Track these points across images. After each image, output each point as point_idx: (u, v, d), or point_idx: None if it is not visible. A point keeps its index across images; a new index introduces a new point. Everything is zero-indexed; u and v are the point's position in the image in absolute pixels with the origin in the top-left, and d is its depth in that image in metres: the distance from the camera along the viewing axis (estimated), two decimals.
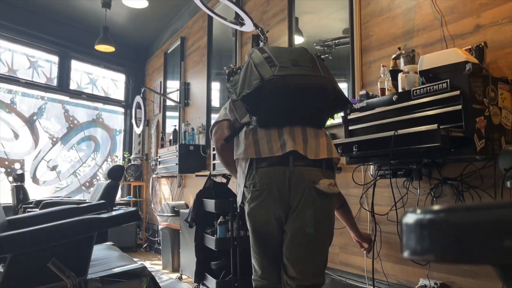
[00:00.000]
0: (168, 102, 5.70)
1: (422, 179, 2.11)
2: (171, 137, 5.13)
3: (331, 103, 1.74)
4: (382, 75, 2.21)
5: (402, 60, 2.11)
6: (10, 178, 4.65)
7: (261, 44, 3.52)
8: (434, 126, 1.62)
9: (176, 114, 5.40)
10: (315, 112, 1.76)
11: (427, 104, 1.77)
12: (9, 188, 4.58)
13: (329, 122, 2.77)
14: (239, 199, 1.80)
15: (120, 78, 6.73)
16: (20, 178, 4.29)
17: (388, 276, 2.29)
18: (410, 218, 0.31)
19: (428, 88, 1.76)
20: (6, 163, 5.22)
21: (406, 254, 0.31)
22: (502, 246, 0.26)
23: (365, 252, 2.21)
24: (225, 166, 2.00)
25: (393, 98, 1.92)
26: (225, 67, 2.02)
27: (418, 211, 0.31)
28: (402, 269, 2.25)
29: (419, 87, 1.81)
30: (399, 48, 2.23)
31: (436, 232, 0.29)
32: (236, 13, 3.46)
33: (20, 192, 3.95)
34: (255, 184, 1.64)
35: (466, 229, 0.28)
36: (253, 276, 1.80)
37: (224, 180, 3.74)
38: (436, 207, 0.30)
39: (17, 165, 5.33)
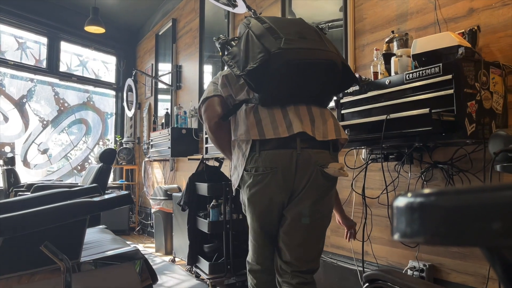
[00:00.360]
0: (160, 85, 5.67)
1: (413, 163, 2.13)
2: (163, 121, 5.13)
3: (340, 81, 1.60)
4: (375, 59, 2.22)
5: (395, 43, 2.11)
6: (1, 162, 4.62)
7: None
8: (426, 110, 1.63)
9: (168, 97, 5.38)
10: (323, 90, 1.64)
11: (419, 88, 1.77)
12: (0, 171, 4.56)
13: None
14: (235, 182, 1.66)
15: (111, 60, 6.66)
16: (10, 161, 4.26)
17: (378, 258, 2.33)
18: (400, 201, 0.31)
19: (420, 72, 1.77)
20: None
21: (396, 236, 0.31)
22: (490, 229, 0.26)
23: (347, 238, 2.09)
24: (218, 148, 1.79)
25: (386, 82, 1.92)
26: (214, 38, 1.81)
27: (409, 194, 0.31)
28: (392, 251, 2.28)
29: (411, 71, 1.81)
30: (393, 32, 2.23)
31: (426, 215, 0.29)
32: None
33: (11, 176, 3.93)
34: (257, 168, 1.51)
35: (455, 212, 0.28)
36: (248, 258, 1.73)
37: (216, 164, 3.75)
38: (426, 191, 0.30)
39: (7, 148, 5.29)
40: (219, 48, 1.77)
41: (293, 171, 1.50)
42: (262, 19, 1.59)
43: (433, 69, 1.72)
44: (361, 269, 2.37)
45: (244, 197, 1.63)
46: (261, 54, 1.42)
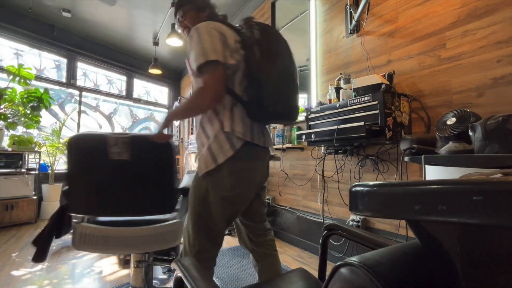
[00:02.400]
0: None
1: (353, 155, 2.13)
2: None
3: None
4: (330, 91, 2.21)
5: (342, 81, 2.11)
6: None
7: None
8: (362, 123, 1.64)
9: None
10: None
11: (357, 109, 1.78)
12: None
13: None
14: (208, 165, 0.99)
15: (165, 90, 6.62)
16: None
17: (331, 214, 2.33)
18: (355, 188, 0.30)
19: (358, 99, 1.77)
20: None
21: (352, 211, 0.31)
22: (413, 208, 0.26)
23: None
24: (191, 113, 1.02)
25: (337, 105, 1.93)
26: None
27: (361, 184, 0.30)
28: (340, 209, 2.28)
29: (353, 98, 1.82)
30: (341, 73, 2.23)
31: (372, 198, 0.29)
32: None
33: None
34: (249, 156, 1.03)
35: (390, 197, 0.28)
36: (197, 252, 1.02)
37: None
38: (371, 183, 0.29)
39: None
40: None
41: (265, 169, 1.15)
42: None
43: (366, 97, 1.72)
44: (322, 220, 2.37)
45: (217, 184, 1.00)
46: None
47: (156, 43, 4.80)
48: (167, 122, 1.08)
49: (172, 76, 6.62)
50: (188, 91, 6.08)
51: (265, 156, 1.12)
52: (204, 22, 1.02)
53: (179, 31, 1.16)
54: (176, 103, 6.05)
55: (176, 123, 6.26)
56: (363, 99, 1.73)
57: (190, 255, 1.03)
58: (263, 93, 0.97)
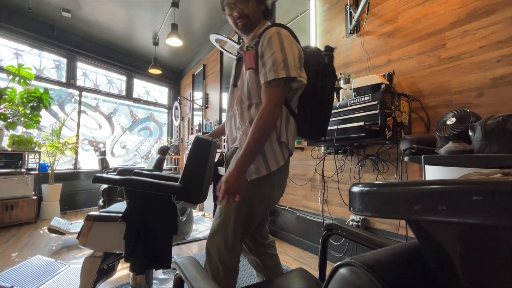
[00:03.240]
0: (195, 106, 5.64)
1: (353, 155, 2.12)
2: (197, 128, 5.10)
3: None
4: None
5: (342, 81, 2.10)
6: (97, 153, 4.61)
7: None
8: (362, 123, 1.64)
9: (200, 113, 5.34)
10: None
11: (357, 109, 1.77)
12: (97, 160, 4.54)
13: None
14: (259, 173, 0.98)
15: (165, 90, 6.62)
16: (103, 153, 4.24)
17: (332, 214, 2.33)
18: (355, 189, 0.30)
19: (358, 99, 1.76)
20: (94, 143, 5.17)
21: (352, 211, 0.31)
22: (413, 208, 0.26)
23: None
24: (262, 144, 0.92)
25: (337, 105, 1.92)
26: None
27: (361, 184, 0.30)
28: (340, 209, 2.27)
29: (352, 98, 1.81)
30: (341, 73, 2.23)
31: (372, 198, 0.29)
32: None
33: (103, 162, 3.90)
34: (286, 168, 1.06)
35: (391, 197, 0.28)
36: (223, 258, 0.96)
37: None
38: (372, 183, 0.29)
39: (101, 145, 5.27)
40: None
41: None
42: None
43: (366, 97, 1.71)
44: (321, 220, 2.37)
45: (264, 189, 0.99)
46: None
47: (156, 43, 4.80)
48: (240, 171, 0.90)
49: (172, 76, 6.62)
50: (187, 91, 6.08)
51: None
52: (283, 29, 0.96)
53: (228, 18, 1.03)
54: (176, 103, 6.06)
55: (176, 122, 6.26)
56: (363, 99, 1.73)
57: (228, 258, 0.94)
58: (314, 118, 1.03)
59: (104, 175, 1.30)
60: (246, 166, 0.91)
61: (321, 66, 1.01)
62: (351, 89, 1.94)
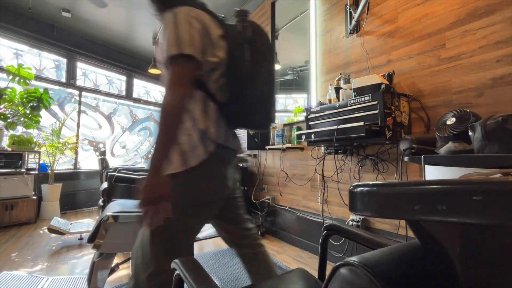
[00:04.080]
0: None
1: (353, 155, 2.12)
2: None
3: None
4: (329, 91, 2.21)
5: (342, 81, 2.10)
6: (97, 153, 4.62)
7: None
8: (361, 123, 1.63)
9: None
10: None
11: (357, 109, 1.77)
12: (97, 160, 4.54)
13: (296, 119, 2.79)
14: (183, 165, 0.85)
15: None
16: (103, 153, 4.24)
17: (331, 214, 2.33)
18: (356, 189, 0.30)
19: (358, 99, 1.76)
20: (94, 143, 5.17)
21: (352, 210, 0.30)
22: (413, 208, 0.26)
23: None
24: (168, 140, 0.75)
25: (336, 105, 1.92)
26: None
27: (360, 184, 0.30)
28: (340, 209, 2.27)
29: (352, 98, 1.81)
30: (340, 73, 2.23)
31: (372, 198, 0.29)
32: None
33: (103, 162, 3.90)
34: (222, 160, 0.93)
35: (391, 197, 0.27)
36: (153, 274, 0.83)
37: None
38: (371, 183, 0.29)
39: (101, 145, 5.27)
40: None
41: (236, 173, 1.08)
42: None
43: (366, 97, 1.71)
44: (321, 220, 2.37)
45: (192, 186, 0.86)
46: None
47: (156, 42, 4.81)
48: (153, 184, 0.74)
49: None
50: None
51: (235, 159, 1.01)
52: (183, 7, 0.84)
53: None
54: None
55: None
56: (362, 99, 1.73)
57: (143, 276, 0.81)
58: (246, 100, 0.87)
59: (124, 175, 1.33)
60: (161, 161, 0.74)
61: (238, 37, 0.88)
62: (351, 89, 1.94)
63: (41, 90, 3.85)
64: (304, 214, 2.60)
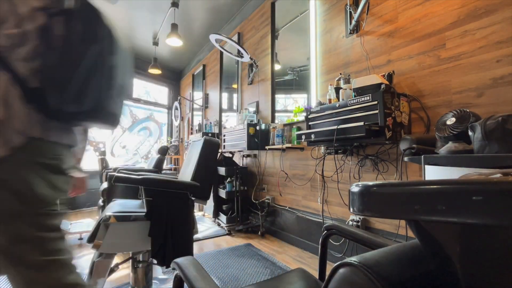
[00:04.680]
0: (195, 106, 5.64)
1: (353, 155, 2.12)
2: (197, 128, 5.10)
3: None
4: (329, 91, 2.20)
5: (342, 81, 2.10)
6: (97, 153, 4.61)
7: (254, 69, 3.49)
8: (361, 123, 1.63)
9: (200, 113, 5.34)
10: None
11: (357, 109, 1.77)
12: (97, 160, 4.54)
13: (296, 119, 2.79)
14: None
15: (165, 90, 6.62)
16: (103, 153, 4.24)
17: (331, 214, 2.32)
18: (355, 189, 0.30)
19: (358, 99, 1.76)
20: (94, 143, 5.17)
21: (352, 210, 0.31)
22: (413, 208, 0.26)
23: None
24: None
25: (336, 105, 1.92)
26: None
27: (360, 184, 0.30)
28: (340, 209, 2.27)
29: (352, 98, 1.81)
30: (340, 73, 2.22)
31: (372, 198, 0.29)
32: (238, 50, 3.41)
33: (103, 162, 3.90)
34: None
35: (391, 197, 0.28)
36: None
37: (230, 155, 3.75)
38: (371, 183, 0.29)
39: (101, 145, 5.27)
40: None
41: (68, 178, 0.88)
42: None
43: (366, 97, 1.71)
44: (321, 220, 2.37)
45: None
46: None
47: (155, 43, 4.81)
48: None
49: (171, 76, 6.63)
50: (187, 91, 6.08)
51: (70, 159, 0.84)
52: None
53: None
54: (176, 103, 6.06)
55: (175, 122, 6.26)
56: (362, 99, 1.73)
57: None
58: (67, 83, 0.71)
59: (124, 174, 1.35)
60: None
61: (58, 7, 0.73)
62: (351, 89, 1.94)
63: None
64: (304, 214, 2.60)
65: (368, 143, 1.94)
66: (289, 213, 2.76)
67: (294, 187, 2.74)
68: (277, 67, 3.29)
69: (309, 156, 2.58)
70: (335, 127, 1.80)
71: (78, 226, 3.09)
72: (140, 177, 1.36)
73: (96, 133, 5.20)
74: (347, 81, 2.07)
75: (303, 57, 2.89)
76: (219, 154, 3.66)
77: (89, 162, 4.98)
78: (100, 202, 3.10)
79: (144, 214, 1.37)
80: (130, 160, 5.88)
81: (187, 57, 5.76)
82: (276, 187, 2.98)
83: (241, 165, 3.68)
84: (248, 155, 3.60)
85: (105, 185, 2.99)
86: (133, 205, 1.64)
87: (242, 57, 3.40)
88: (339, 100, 2.04)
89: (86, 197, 4.68)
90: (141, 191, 1.52)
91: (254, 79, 3.59)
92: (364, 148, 2.05)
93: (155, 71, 4.87)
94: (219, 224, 3.41)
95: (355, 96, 1.82)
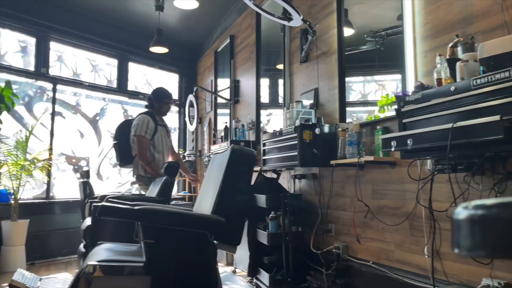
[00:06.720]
0: (219, 100, 5.79)
1: (484, 174, 2.00)
2: (222, 134, 5.22)
3: None
4: (438, 65, 2.12)
5: (460, 48, 2.03)
6: (78, 175, 4.93)
7: (309, 38, 3.48)
8: (497, 117, 1.54)
9: (227, 111, 5.48)
10: None
11: (488, 94, 1.68)
12: (77, 184, 4.87)
13: (382, 115, 2.71)
14: None
15: (174, 78, 6.92)
16: (86, 174, 4.52)
17: (448, 276, 2.21)
18: (460, 214, 0.31)
19: (489, 77, 1.67)
20: (74, 160, 5.56)
21: (456, 250, 0.31)
22: None
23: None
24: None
25: (451, 88, 1.84)
26: None
27: (469, 205, 0.30)
28: (464, 268, 2.15)
29: (479, 76, 1.72)
30: (457, 36, 2.13)
31: (487, 228, 0.29)
32: (284, 9, 3.43)
33: (86, 188, 4.16)
34: None
35: None
36: None
37: (274, 176, 3.73)
38: (488, 202, 0.29)
39: (83, 163, 5.65)
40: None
41: None
42: None
43: (504, 73, 1.62)
44: (431, 287, 2.25)
45: None
46: None
47: (160, 7, 5.05)
48: None
49: (184, 56, 6.91)
50: (207, 78, 6.27)
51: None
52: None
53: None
54: (191, 97, 6.26)
55: (190, 126, 6.45)
56: (497, 76, 1.64)
57: None
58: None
59: (114, 204, 1.42)
60: None
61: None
62: (475, 61, 1.86)
63: (1, 85, 4.24)
64: (400, 275, 2.52)
65: (511, 153, 1.84)
66: (373, 272, 2.70)
67: (382, 229, 2.70)
68: (348, 32, 3.25)
69: (405, 176, 2.48)
70: (449, 125, 1.73)
71: (51, 283, 3.29)
72: (137, 207, 1.40)
73: (76, 145, 5.57)
74: (469, 48, 2.00)
75: (391, 14, 2.84)
76: (256, 173, 3.68)
77: (67, 187, 5.33)
78: (82, 247, 3.28)
79: (142, 265, 1.40)
80: (125, 184, 6.17)
81: (206, 25, 5.97)
82: (350, 228, 2.96)
83: (292, 191, 3.66)
84: (302, 176, 3.58)
85: (88, 221, 3.16)
86: (127, 251, 1.70)
87: (291, 19, 3.41)
88: (455, 80, 1.97)
89: (62, 240, 4.99)
90: (139, 230, 1.56)
91: (311, 54, 3.60)
92: (505, 162, 1.94)
93: (160, 50, 5.11)
94: (258, 287, 3.38)
95: (484, 72, 1.75)
